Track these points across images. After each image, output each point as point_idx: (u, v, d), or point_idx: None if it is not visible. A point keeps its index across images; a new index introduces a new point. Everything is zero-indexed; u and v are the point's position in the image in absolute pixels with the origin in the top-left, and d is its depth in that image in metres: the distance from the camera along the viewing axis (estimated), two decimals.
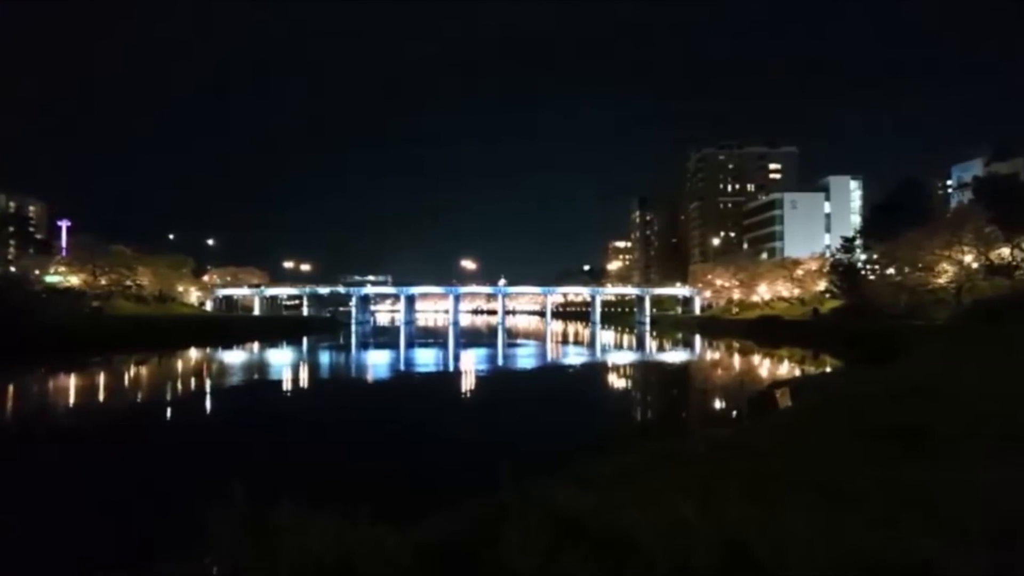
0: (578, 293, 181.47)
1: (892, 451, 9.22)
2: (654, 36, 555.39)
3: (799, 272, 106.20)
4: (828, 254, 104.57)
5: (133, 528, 12.45)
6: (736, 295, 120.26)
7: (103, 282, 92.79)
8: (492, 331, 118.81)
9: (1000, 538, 5.18)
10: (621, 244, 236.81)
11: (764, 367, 51.54)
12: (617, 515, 5.32)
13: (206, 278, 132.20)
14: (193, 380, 42.91)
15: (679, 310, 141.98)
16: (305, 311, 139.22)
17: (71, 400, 33.43)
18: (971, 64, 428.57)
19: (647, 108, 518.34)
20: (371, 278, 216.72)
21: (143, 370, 48.64)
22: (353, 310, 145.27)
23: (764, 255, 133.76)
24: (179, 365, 53.07)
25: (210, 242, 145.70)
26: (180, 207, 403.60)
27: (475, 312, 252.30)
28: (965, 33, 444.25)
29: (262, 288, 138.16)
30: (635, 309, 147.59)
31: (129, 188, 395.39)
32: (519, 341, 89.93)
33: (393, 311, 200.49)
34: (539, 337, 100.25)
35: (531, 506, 5.38)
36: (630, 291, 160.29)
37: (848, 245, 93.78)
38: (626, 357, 65.07)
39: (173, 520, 6.18)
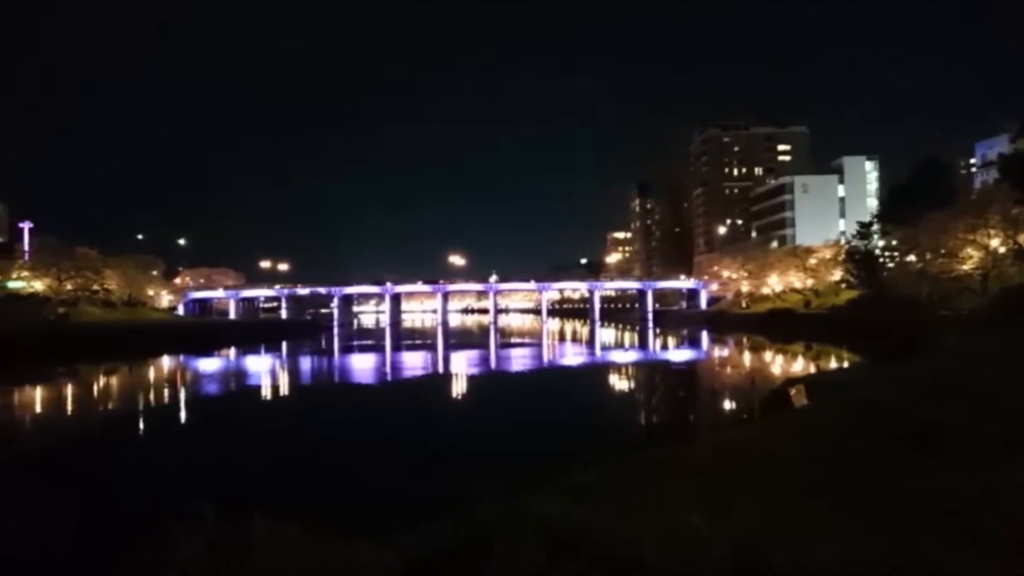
0: (575, 288, 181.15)
1: (914, 455, 9.24)
2: (632, 5, 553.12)
3: (812, 261, 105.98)
4: (843, 241, 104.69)
5: (94, 552, 12.32)
6: (745, 287, 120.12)
7: (69, 287, 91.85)
8: (484, 331, 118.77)
9: (1020, 546, 5.21)
10: (620, 235, 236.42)
11: (777, 364, 51.70)
12: (618, 528, 5.29)
13: (178, 280, 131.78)
14: (165, 391, 42.76)
15: (684, 304, 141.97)
16: (284, 314, 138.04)
17: (32, 414, 33.40)
18: (993, 33, 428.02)
19: (644, 85, 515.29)
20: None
21: (112, 381, 48.65)
22: (335, 312, 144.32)
23: (774, 243, 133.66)
24: (151, 375, 52.98)
25: (181, 242, 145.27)
26: (146, 205, 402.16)
27: (465, 311, 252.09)
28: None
29: (237, 290, 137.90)
30: (637, 304, 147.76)
31: (90, 187, 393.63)
32: (513, 341, 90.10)
33: (378, 312, 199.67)
34: (534, 337, 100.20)
35: (524, 520, 5.35)
36: (631, 285, 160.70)
37: (864, 231, 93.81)
38: (628, 357, 65.14)
39: (137, 542, 6.17)
